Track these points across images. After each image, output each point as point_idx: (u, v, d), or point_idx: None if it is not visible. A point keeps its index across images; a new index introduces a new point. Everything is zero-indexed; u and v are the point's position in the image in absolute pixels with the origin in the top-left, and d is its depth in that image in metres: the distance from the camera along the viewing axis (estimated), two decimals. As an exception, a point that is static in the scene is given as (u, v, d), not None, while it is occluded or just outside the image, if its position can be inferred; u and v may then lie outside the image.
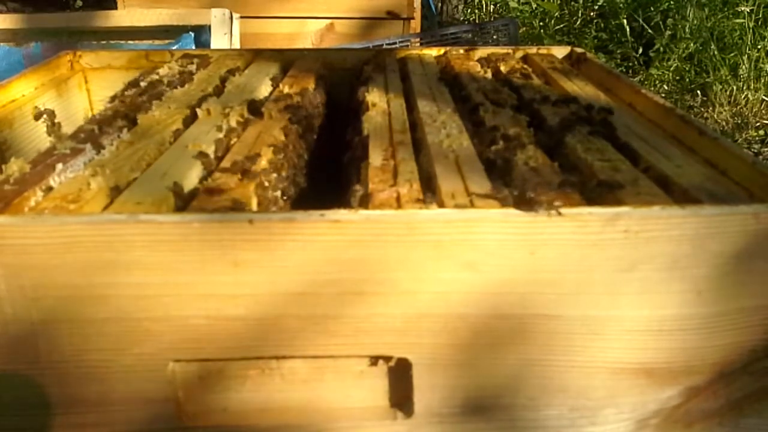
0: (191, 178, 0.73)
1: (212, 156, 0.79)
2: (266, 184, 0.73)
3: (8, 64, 1.88)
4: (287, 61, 1.20)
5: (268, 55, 1.23)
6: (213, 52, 1.24)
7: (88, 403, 0.66)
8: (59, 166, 0.75)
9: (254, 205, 0.68)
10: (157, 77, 1.08)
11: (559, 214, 0.60)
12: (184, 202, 0.69)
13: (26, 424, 0.66)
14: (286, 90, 1.03)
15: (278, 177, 0.76)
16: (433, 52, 1.28)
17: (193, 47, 2.02)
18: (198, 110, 0.92)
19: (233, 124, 0.88)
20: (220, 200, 0.66)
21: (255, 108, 0.93)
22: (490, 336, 0.64)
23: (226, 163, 0.76)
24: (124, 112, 0.92)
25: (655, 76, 3.50)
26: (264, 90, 1.05)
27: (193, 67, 1.14)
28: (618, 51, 3.78)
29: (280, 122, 0.89)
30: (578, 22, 4.13)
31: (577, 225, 0.60)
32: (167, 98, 0.98)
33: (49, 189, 0.71)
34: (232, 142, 0.84)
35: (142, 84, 1.05)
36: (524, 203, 0.62)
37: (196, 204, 0.66)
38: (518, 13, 4.18)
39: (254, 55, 1.23)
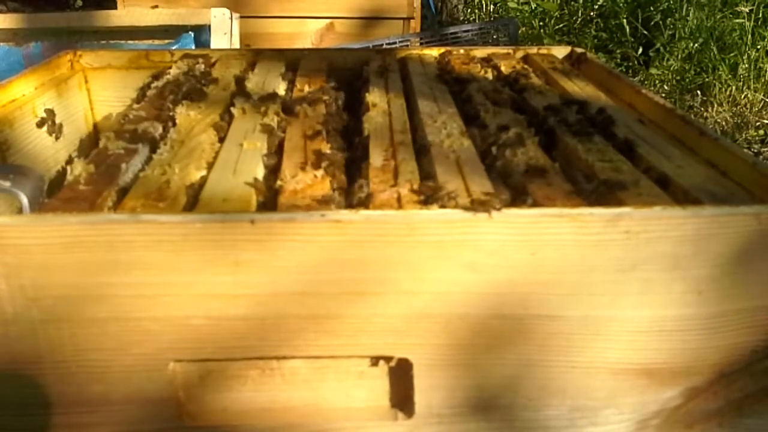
0: (260, 175, 0.74)
1: (267, 153, 0.80)
2: (337, 179, 0.73)
3: (8, 64, 1.87)
4: (289, 60, 1.21)
5: (269, 55, 1.23)
6: (213, 51, 1.24)
7: (89, 403, 0.66)
8: (123, 165, 0.76)
9: (336, 201, 0.69)
10: (172, 78, 1.08)
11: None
12: (265, 198, 0.70)
13: (26, 424, 0.66)
14: (307, 88, 1.03)
15: (340, 172, 0.77)
16: (433, 52, 1.28)
17: (193, 47, 2.02)
18: (233, 109, 0.93)
19: (275, 122, 0.89)
20: (305, 197, 0.67)
21: (288, 107, 0.94)
22: (490, 336, 0.64)
23: (293, 161, 0.77)
24: (157, 113, 0.93)
25: (655, 76, 3.50)
26: (283, 89, 1.05)
27: (201, 67, 1.15)
28: (618, 51, 3.78)
29: (317, 120, 0.89)
30: (578, 22, 4.13)
31: (578, 225, 0.60)
32: (192, 98, 0.98)
33: (123, 188, 0.72)
34: (278, 140, 0.84)
35: (160, 84, 1.05)
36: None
37: (284, 201, 0.67)
38: (517, 13, 4.19)
39: (255, 55, 1.23)
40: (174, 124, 0.89)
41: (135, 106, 0.99)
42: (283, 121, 0.89)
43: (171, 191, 0.69)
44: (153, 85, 1.06)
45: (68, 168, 0.75)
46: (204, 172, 0.74)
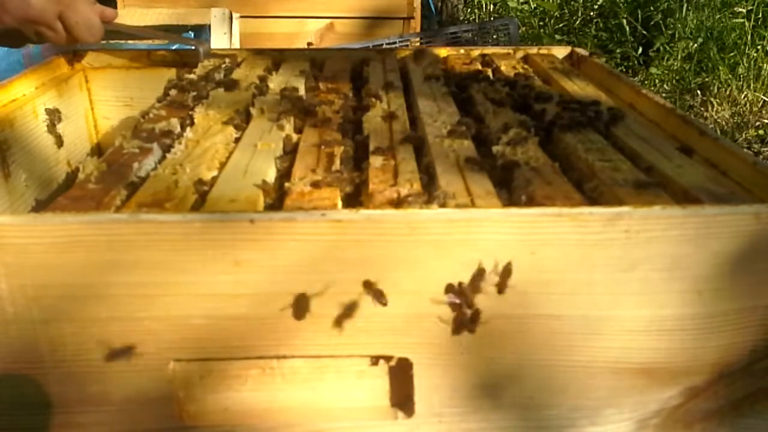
0: (271, 176, 0.74)
1: (281, 153, 0.80)
2: (345, 182, 0.73)
3: (8, 64, 1.87)
4: (312, 60, 1.21)
5: (293, 55, 1.23)
6: (240, 51, 1.25)
7: (89, 403, 0.66)
8: (135, 165, 0.76)
9: (339, 204, 0.68)
10: (196, 77, 1.08)
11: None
12: (272, 199, 0.70)
13: (26, 423, 0.66)
14: (326, 89, 1.03)
15: (349, 175, 0.77)
16: (433, 52, 1.28)
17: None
18: (251, 109, 0.93)
19: (291, 123, 0.89)
20: (312, 200, 0.67)
21: (306, 108, 0.94)
22: (490, 336, 0.64)
23: (305, 163, 0.76)
24: (176, 112, 0.93)
25: (655, 75, 3.50)
26: (303, 89, 1.05)
27: (226, 67, 1.15)
28: (618, 51, 3.78)
29: (334, 122, 0.89)
30: (578, 22, 4.13)
31: (578, 225, 0.60)
32: (214, 98, 0.98)
33: (132, 187, 0.72)
34: (294, 141, 0.84)
35: (183, 84, 1.05)
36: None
37: (291, 203, 0.66)
38: (518, 13, 4.19)
39: (279, 55, 1.23)
40: (192, 124, 0.89)
41: (156, 105, 0.99)
42: (301, 122, 0.89)
43: (179, 191, 0.69)
44: (177, 85, 1.06)
45: (80, 166, 0.75)
46: (215, 173, 0.74)
